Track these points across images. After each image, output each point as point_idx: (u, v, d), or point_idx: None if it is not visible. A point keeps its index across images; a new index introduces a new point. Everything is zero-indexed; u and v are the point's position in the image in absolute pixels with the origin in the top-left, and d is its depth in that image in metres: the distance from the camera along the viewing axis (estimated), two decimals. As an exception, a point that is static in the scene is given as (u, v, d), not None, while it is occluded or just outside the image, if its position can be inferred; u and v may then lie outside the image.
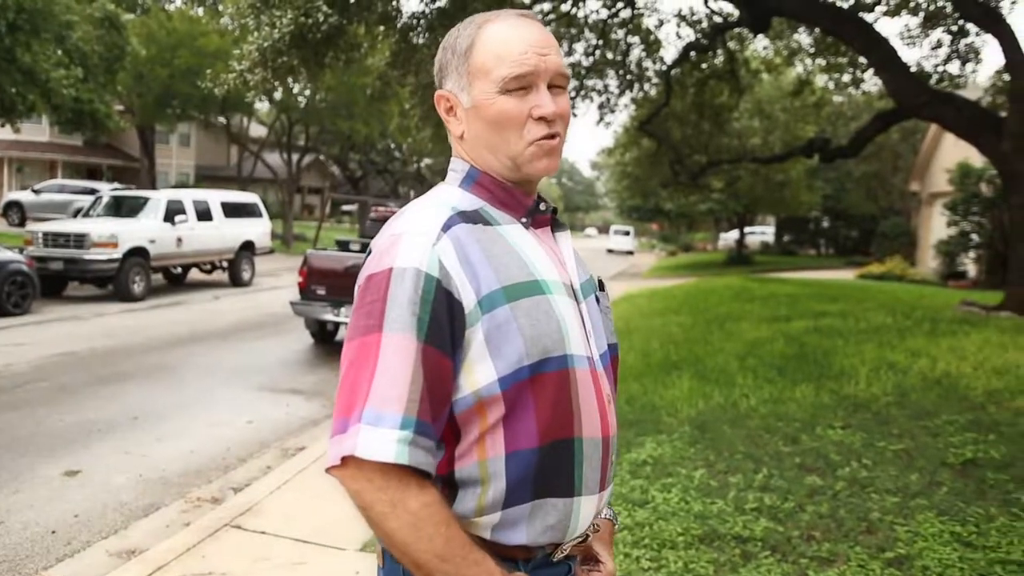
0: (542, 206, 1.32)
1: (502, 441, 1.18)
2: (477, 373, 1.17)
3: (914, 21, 13.60)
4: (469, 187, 1.30)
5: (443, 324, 1.14)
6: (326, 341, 10.13)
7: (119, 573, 3.64)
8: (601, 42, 13.76)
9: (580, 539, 1.30)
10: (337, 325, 9.85)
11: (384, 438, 1.09)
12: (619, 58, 14.63)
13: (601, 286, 1.44)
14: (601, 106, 15.49)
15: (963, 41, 13.25)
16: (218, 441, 5.91)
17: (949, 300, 12.16)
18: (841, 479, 4.17)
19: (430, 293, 1.14)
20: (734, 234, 37.71)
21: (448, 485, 1.21)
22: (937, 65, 13.79)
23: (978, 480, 4.08)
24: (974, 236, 19.75)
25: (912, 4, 12.99)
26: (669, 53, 24.30)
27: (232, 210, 16.49)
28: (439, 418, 1.15)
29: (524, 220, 1.29)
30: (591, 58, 13.97)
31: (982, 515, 3.66)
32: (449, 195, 1.29)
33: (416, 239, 1.18)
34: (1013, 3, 12.46)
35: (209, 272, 16.79)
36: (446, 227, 1.19)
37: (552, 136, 1.26)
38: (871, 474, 4.22)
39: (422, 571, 1.13)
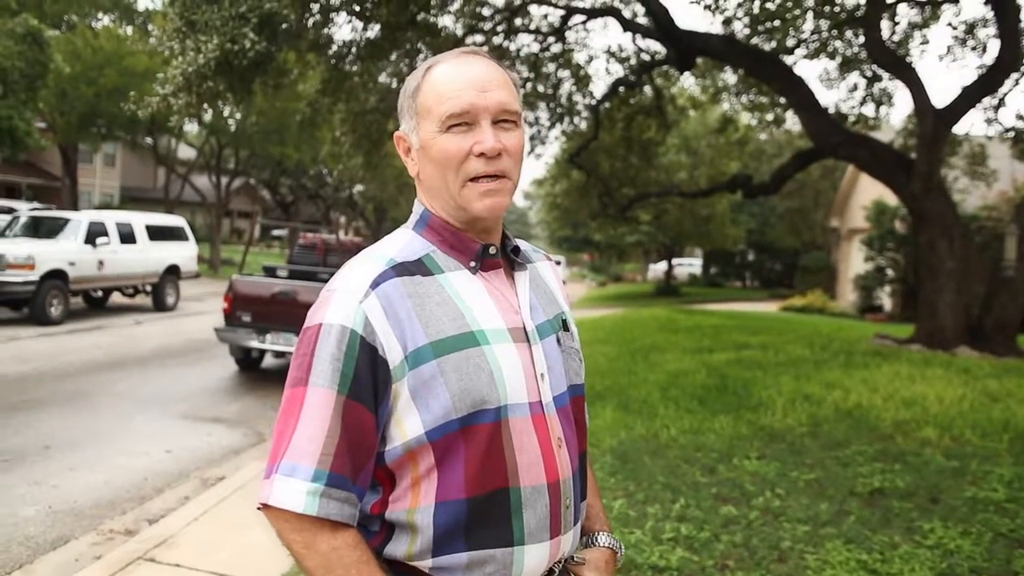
0: (491, 249, 1.32)
1: (434, 490, 1.20)
2: (405, 425, 1.21)
3: (832, 65, 14.19)
4: (421, 230, 1.33)
5: (366, 379, 1.18)
6: (251, 368, 9.95)
7: (24, 609, 3.52)
8: (533, 75, 13.97)
9: None
10: (262, 352, 9.70)
11: (295, 489, 1.15)
12: (550, 91, 14.85)
13: (565, 326, 1.41)
14: (532, 138, 15.69)
15: (877, 85, 13.87)
16: (134, 471, 5.75)
17: (864, 333, 12.59)
18: (755, 509, 4.29)
19: (354, 349, 1.18)
20: (663, 266, 38.36)
21: (384, 525, 1.25)
22: (853, 107, 14.39)
23: (884, 508, 4.24)
24: (889, 271, 20.50)
25: (830, 49, 13.54)
26: (598, 88, 24.76)
27: (157, 233, 16.12)
28: (361, 468, 1.20)
29: (473, 264, 1.30)
30: (522, 91, 14.13)
31: (887, 543, 3.81)
32: (394, 243, 1.32)
33: (345, 296, 1.21)
34: (923, 52, 13.09)
35: (132, 296, 16.34)
36: (375, 284, 1.22)
37: (493, 175, 1.25)
38: (784, 504, 4.35)
39: None
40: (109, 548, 4.29)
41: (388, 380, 1.19)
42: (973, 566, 3.55)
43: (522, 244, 1.46)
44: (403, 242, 1.32)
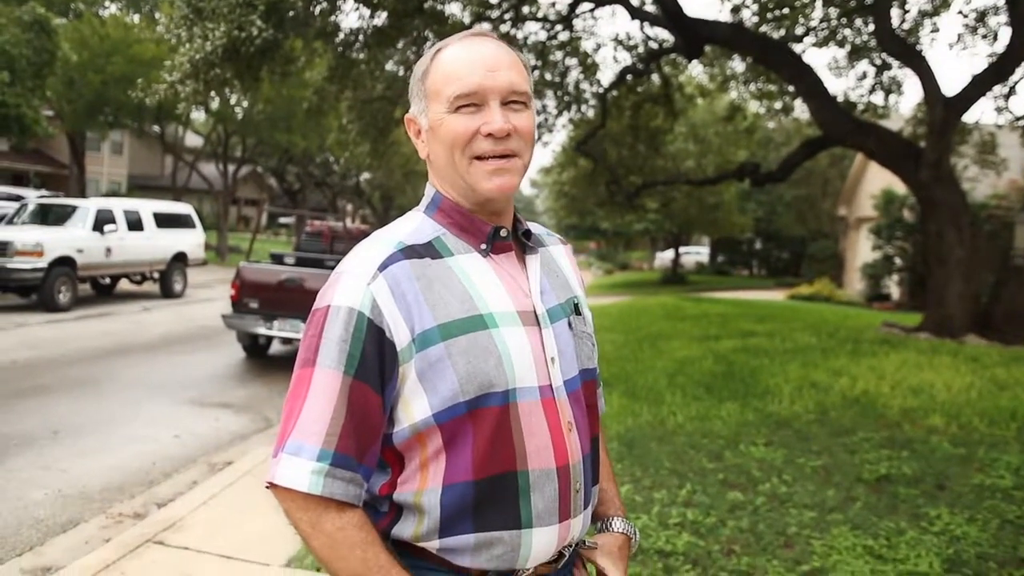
0: (502, 232, 1.32)
1: (442, 473, 1.21)
2: (412, 408, 1.21)
3: (841, 53, 14.10)
4: (433, 213, 1.33)
5: (372, 360, 1.18)
6: (258, 355, 9.98)
7: (34, 591, 3.55)
8: (540, 63, 13.92)
9: (550, 561, 1.30)
10: (269, 339, 9.74)
11: (300, 468, 1.16)
12: (557, 79, 14.79)
13: (578, 310, 1.40)
14: (540, 126, 15.64)
15: (886, 74, 13.79)
16: (143, 456, 5.78)
17: (872, 321, 12.56)
18: (762, 494, 4.29)
19: (361, 331, 1.18)
20: (670, 254, 38.28)
21: (392, 506, 1.25)
22: (862, 95, 14.31)
23: (891, 495, 4.24)
24: (897, 260, 20.41)
25: (839, 37, 13.46)
26: (606, 76, 24.61)
27: (165, 220, 16.16)
28: (367, 449, 1.20)
29: (483, 247, 1.30)
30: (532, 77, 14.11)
31: (893, 529, 3.81)
32: (405, 226, 1.31)
33: (353, 278, 1.21)
34: (933, 40, 13.01)
35: (139, 283, 16.41)
36: (383, 266, 1.21)
37: (501, 155, 1.25)
38: (790, 490, 4.35)
39: None
40: (118, 531, 4.31)
41: (395, 362, 1.19)
42: (979, 552, 3.55)
43: (535, 228, 1.45)
44: (413, 225, 1.31)
